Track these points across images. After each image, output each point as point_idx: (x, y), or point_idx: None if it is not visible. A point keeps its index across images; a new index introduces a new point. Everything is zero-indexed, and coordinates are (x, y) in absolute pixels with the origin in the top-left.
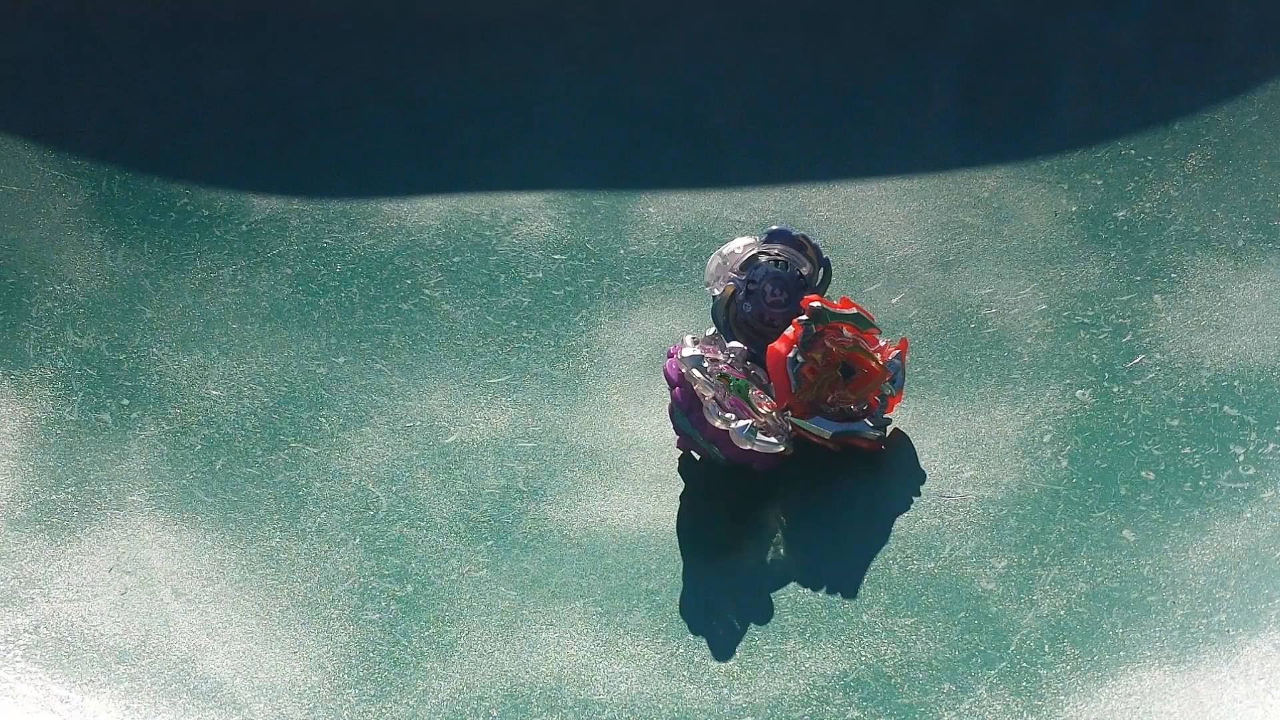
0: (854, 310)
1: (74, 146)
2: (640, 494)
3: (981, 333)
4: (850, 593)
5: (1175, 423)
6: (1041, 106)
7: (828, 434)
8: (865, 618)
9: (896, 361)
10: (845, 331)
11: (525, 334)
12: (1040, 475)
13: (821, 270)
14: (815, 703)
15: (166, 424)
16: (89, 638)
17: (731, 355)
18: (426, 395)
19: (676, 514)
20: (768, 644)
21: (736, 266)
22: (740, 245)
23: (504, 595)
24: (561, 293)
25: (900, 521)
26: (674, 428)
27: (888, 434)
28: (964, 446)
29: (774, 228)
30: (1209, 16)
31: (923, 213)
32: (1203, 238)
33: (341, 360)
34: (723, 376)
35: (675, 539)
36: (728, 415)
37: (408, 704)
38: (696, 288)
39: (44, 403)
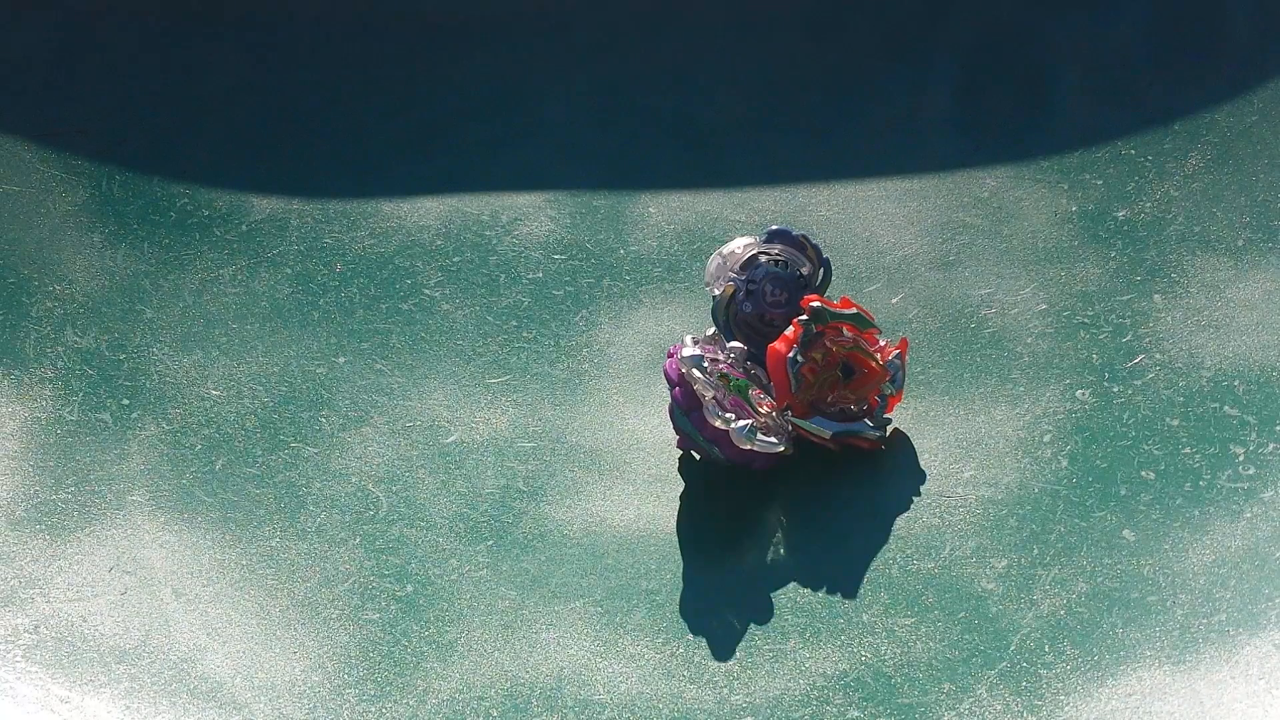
0: (854, 310)
1: (74, 146)
2: (640, 494)
3: (981, 333)
4: (850, 593)
5: (1175, 423)
6: (1041, 106)
7: (828, 434)
8: (865, 618)
9: (896, 361)
10: (845, 331)
11: (525, 334)
12: (1040, 475)
13: (821, 270)
14: (815, 703)
15: (166, 424)
16: (89, 638)
17: (731, 355)
18: (426, 395)
19: (676, 514)
20: (768, 644)
21: (736, 266)
22: (740, 245)
23: (504, 595)
24: (561, 293)
25: (900, 521)
26: (674, 428)
27: (888, 434)
28: (964, 446)
29: (774, 228)
30: (1209, 16)
31: (923, 213)
32: (1203, 238)
33: (341, 360)
34: (723, 376)
35: (675, 539)
36: (728, 415)
37: (408, 704)
38: (696, 288)
39: (44, 403)
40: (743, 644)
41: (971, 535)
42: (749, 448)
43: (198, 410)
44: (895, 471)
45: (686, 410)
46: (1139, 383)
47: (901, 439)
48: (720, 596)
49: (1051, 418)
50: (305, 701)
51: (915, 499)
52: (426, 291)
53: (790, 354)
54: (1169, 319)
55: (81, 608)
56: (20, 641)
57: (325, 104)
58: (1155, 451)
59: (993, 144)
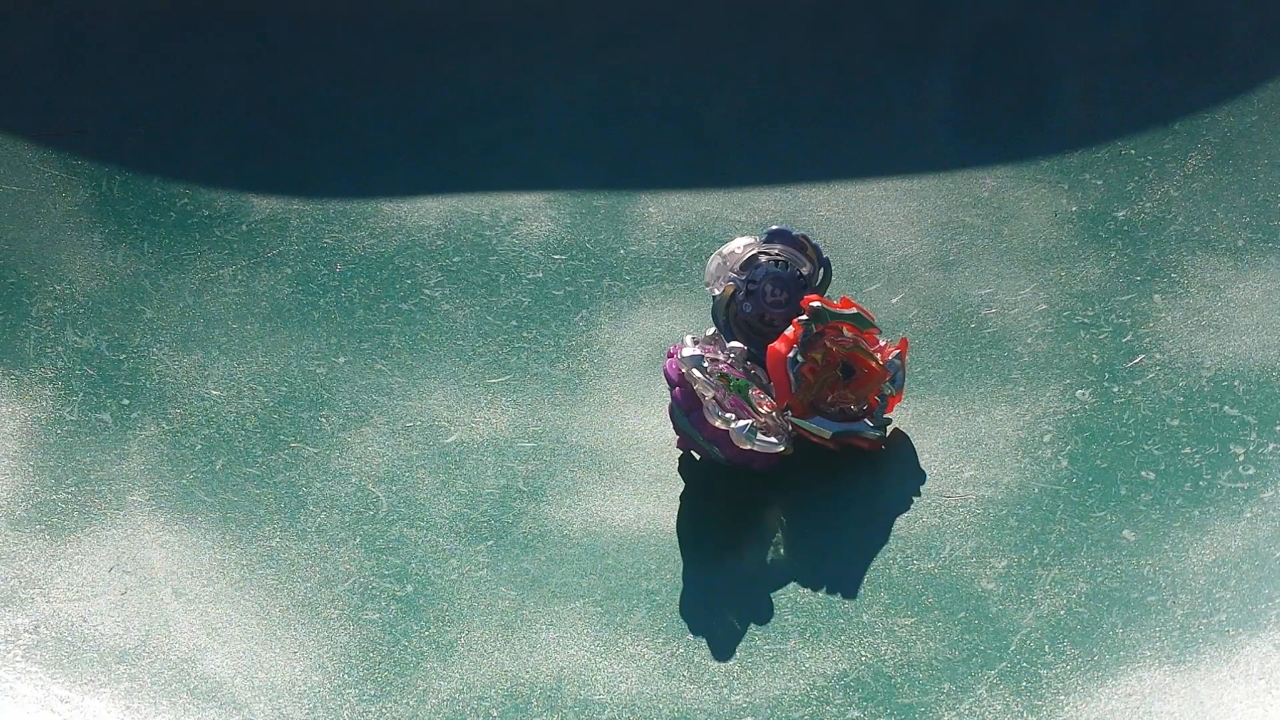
0: (854, 310)
1: (74, 146)
2: (640, 494)
3: (981, 333)
4: (850, 593)
5: (1175, 423)
6: (1041, 106)
7: (828, 434)
8: (865, 618)
9: (896, 361)
10: (845, 331)
11: (525, 334)
12: (1040, 475)
13: (821, 270)
14: (815, 703)
15: (166, 424)
16: (89, 638)
17: (731, 355)
18: (426, 395)
19: (676, 514)
20: (768, 644)
21: (736, 266)
22: (740, 245)
23: (504, 595)
24: (561, 293)
25: (900, 521)
26: (674, 428)
27: (888, 434)
28: (964, 446)
29: (774, 228)
30: (1209, 17)
31: (923, 213)
32: (1203, 238)
33: (341, 360)
34: (723, 376)
35: (675, 539)
36: (728, 415)
37: (408, 704)
38: (696, 288)
39: (44, 403)
40: (743, 644)
41: (971, 535)
42: (749, 448)
43: (198, 410)
44: (895, 471)
45: (686, 410)
46: (1139, 383)
47: (901, 439)
48: (720, 596)
49: (1051, 418)
50: (305, 701)
51: (915, 499)
52: (426, 291)
53: (790, 354)
54: (1169, 319)
55: (81, 608)
56: (20, 641)
57: (325, 104)
58: (1155, 451)
59: (993, 144)
